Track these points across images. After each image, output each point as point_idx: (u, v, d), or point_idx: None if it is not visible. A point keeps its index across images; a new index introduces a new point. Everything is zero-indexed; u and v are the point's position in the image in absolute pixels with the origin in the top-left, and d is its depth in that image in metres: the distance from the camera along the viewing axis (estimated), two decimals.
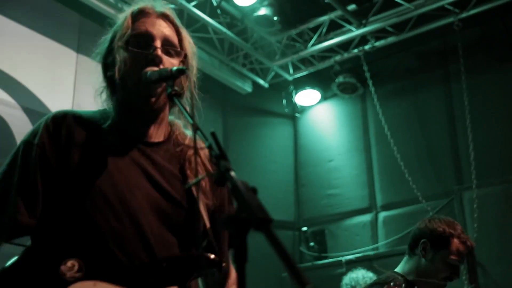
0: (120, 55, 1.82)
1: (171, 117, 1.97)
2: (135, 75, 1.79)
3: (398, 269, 3.41)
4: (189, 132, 1.95)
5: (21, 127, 5.28)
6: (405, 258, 3.43)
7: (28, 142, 1.74)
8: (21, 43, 5.50)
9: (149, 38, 1.84)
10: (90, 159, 1.73)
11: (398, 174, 7.22)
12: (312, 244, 7.83)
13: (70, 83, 5.71)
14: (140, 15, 1.89)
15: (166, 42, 1.87)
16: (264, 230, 1.12)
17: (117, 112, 1.86)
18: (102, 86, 1.89)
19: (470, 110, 6.87)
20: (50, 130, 1.74)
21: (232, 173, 1.27)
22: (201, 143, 1.90)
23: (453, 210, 6.94)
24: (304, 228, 8.07)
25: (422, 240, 3.33)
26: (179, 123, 1.99)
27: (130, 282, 1.66)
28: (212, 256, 1.77)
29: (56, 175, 1.70)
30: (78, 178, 1.70)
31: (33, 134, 1.75)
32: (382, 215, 7.59)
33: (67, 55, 5.81)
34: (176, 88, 1.65)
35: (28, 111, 5.39)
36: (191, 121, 1.49)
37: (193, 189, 1.85)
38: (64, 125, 1.76)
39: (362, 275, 5.51)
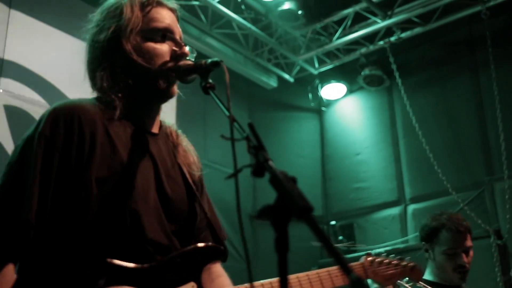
0: (137, 45, 1.85)
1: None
2: (160, 63, 1.84)
3: (424, 275, 3.45)
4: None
5: None
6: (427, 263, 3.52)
7: (37, 134, 1.69)
8: (49, 44, 5.58)
9: (171, 32, 1.90)
10: (105, 150, 1.73)
11: (427, 166, 7.15)
12: (341, 237, 7.80)
13: None
14: (151, 3, 1.92)
15: (181, 38, 1.95)
16: (306, 218, 1.12)
17: (128, 101, 1.84)
18: (101, 74, 1.86)
19: (500, 99, 6.75)
20: (60, 122, 1.71)
21: (271, 163, 1.28)
22: (182, 140, 2.02)
23: (484, 202, 6.85)
24: (333, 222, 8.05)
25: (422, 243, 3.47)
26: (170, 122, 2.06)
27: (151, 281, 1.69)
28: (221, 246, 1.87)
29: (69, 168, 1.68)
30: (95, 170, 1.69)
31: (41, 126, 1.70)
32: (411, 207, 7.52)
33: None
34: (210, 80, 1.66)
35: None
36: (227, 113, 1.50)
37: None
38: (72, 117, 1.73)
39: None
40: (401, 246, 7.29)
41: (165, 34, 1.87)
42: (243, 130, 1.43)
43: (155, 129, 1.93)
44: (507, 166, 6.58)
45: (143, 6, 1.89)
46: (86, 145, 1.70)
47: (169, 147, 1.96)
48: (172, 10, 1.97)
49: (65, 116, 1.72)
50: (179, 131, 2.05)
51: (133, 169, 1.74)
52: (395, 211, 7.67)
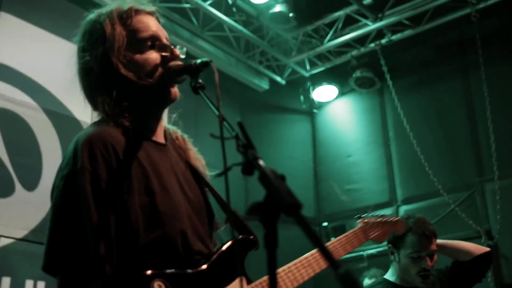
0: (128, 59, 1.83)
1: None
2: (152, 74, 1.83)
3: (386, 275, 3.55)
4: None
5: (43, 129, 5.36)
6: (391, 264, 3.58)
7: (79, 169, 1.62)
8: (40, 46, 5.58)
9: (157, 38, 1.89)
10: (138, 175, 1.72)
11: (419, 167, 7.18)
12: (332, 239, 7.81)
13: None
14: (129, 15, 1.89)
15: (167, 39, 1.94)
16: (295, 215, 1.14)
17: (135, 118, 1.82)
18: (102, 93, 1.83)
19: (490, 101, 6.80)
20: (97, 154, 1.66)
21: (260, 161, 1.29)
22: (190, 144, 2.03)
23: (475, 202, 6.90)
24: (325, 224, 8.08)
25: (388, 246, 3.48)
26: (174, 128, 2.06)
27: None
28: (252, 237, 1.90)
29: (116, 198, 1.65)
30: (139, 195, 1.69)
31: (80, 161, 1.64)
32: (403, 209, 7.55)
33: None
34: (200, 80, 1.67)
35: (49, 113, 5.47)
36: (217, 112, 1.51)
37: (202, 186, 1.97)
38: (106, 146, 1.69)
39: (374, 273, 5.71)
40: None
41: (153, 43, 1.87)
42: (232, 129, 1.44)
43: (161, 139, 1.94)
44: (498, 167, 6.63)
45: (123, 20, 1.87)
46: (124, 171, 1.69)
47: (179, 152, 1.98)
48: (151, 13, 1.95)
49: (99, 146, 1.67)
50: (185, 135, 2.07)
51: (166, 188, 1.76)
52: (387, 212, 7.64)
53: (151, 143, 1.86)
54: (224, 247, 1.83)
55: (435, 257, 3.40)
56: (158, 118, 1.93)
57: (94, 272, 1.56)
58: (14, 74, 5.31)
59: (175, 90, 1.88)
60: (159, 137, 1.92)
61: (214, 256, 1.79)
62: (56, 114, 5.49)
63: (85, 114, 5.61)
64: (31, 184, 5.12)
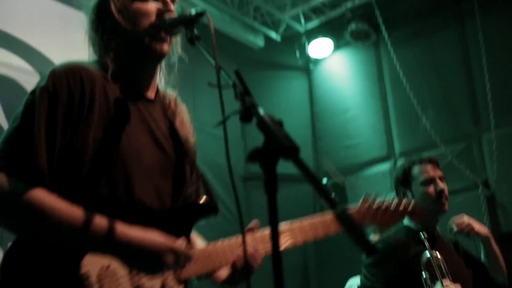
0: (124, 6, 1.88)
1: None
2: (146, 23, 1.86)
3: (405, 221, 3.42)
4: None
5: None
6: None
7: (39, 89, 1.73)
8: (34, 9, 5.51)
9: None
10: (102, 110, 1.76)
11: (416, 119, 7.20)
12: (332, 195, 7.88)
13: (84, 48, 5.73)
14: None
15: None
16: (293, 158, 1.17)
17: (120, 64, 1.89)
18: (96, 33, 1.93)
19: (486, 49, 6.77)
20: (62, 79, 1.74)
21: (258, 108, 1.31)
22: (181, 111, 2.05)
23: (472, 153, 6.95)
24: (324, 180, 8.13)
25: (398, 188, 3.52)
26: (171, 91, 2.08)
27: None
28: (212, 202, 1.91)
29: (72, 122, 1.71)
30: (95, 134, 1.72)
31: (44, 82, 1.74)
32: (401, 162, 7.59)
33: (82, 20, 5.81)
34: (195, 31, 1.68)
35: None
36: (213, 62, 1.52)
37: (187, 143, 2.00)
38: (74, 74, 1.77)
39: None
40: None
41: None
42: (229, 78, 1.45)
43: (150, 94, 1.96)
44: (494, 115, 6.65)
45: None
46: (86, 102, 1.74)
47: (166, 114, 1.99)
48: None
49: (66, 73, 1.76)
50: (179, 101, 2.09)
51: (127, 132, 1.78)
52: (385, 166, 7.75)
53: (135, 94, 1.89)
54: (171, 208, 1.85)
55: (445, 183, 3.47)
56: (148, 73, 1.95)
57: (31, 182, 1.62)
58: (10, 39, 5.26)
59: (166, 47, 1.90)
60: (146, 91, 1.95)
61: (155, 215, 1.80)
62: None
63: None
64: None
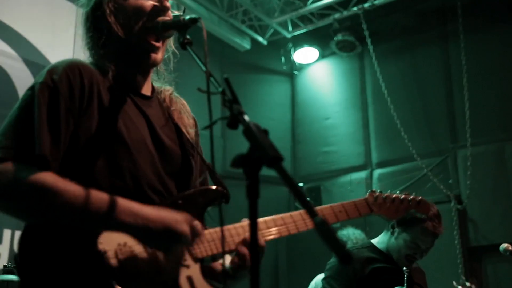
0: (118, 6, 1.88)
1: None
2: (140, 24, 1.86)
3: (374, 240, 3.63)
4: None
5: (23, 79, 5.33)
6: (384, 231, 3.61)
7: (39, 84, 1.73)
8: None
9: None
10: (105, 106, 1.79)
11: (394, 132, 7.32)
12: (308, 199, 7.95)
13: (70, 36, 5.72)
14: None
15: None
16: (276, 167, 1.21)
17: (116, 63, 1.90)
18: (91, 38, 1.92)
19: (467, 69, 6.93)
20: (62, 73, 1.75)
21: (245, 116, 1.35)
22: (182, 101, 2.09)
23: (447, 168, 7.09)
24: (300, 185, 8.20)
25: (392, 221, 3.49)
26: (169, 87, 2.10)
27: None
28: (224, 188, 1.91)
29: (74, 114, 1.73)
30: (97, 125, 1.75)
31: (43, 78, 1.74)
32: (377, 172, 7.72)
33: (67, 7, 5.80)
34: (188, 36, 1.70)
35: (29, 63, 5.43)
36: (204, 68, 1.56)
37: (187, 141, 2.01)
38: (73, 69, 1.78)
39: (353, 232, 5.74)
40: None
41: None
42: (219, 85, 1.49)
43: (146, 91, 1.98)
44: (471, 134, 6.79)
45: None
46: (86, 94, 1.75)
47: (164, 109, 2.01)
48: None
49: (65, 68, 1.76)
50: (175, 95, 2.10)
51: (127, 125, 1.80)
52: (361, 175, 7.85)
53: (132, 91, 1.92)
54: (183, 193, 1.87)
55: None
56: (143, 73, 1.97)
57: (38, 166, 1.63)
58: None
59: (159, 56, 1.92)
60: (144, 90, 1.97)
61: (169, 199, 1.83)
62: (36, 65, 5.45)
63: None
64: None
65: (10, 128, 1.68)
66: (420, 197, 2.62)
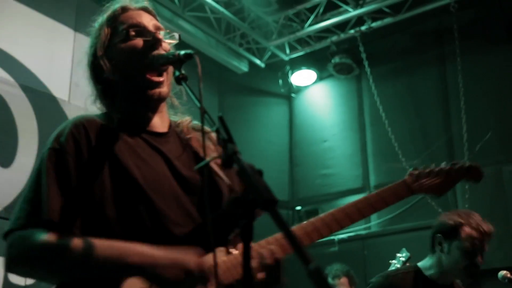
0: (114, 52, 1.89)
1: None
2: (138, 64, 1.86)
3: (419, 263, 3.46)
4: (195, 122, 2.06)
5: (20, 105, 5.32)
6: (428, 255, 3.46)
7: (47, 150, 1.79)
8: (19, 21, 5.50)
9: (142, 27, 1.92)
10: (114, 154, 1.79)
11: (392, 154, 7.30)
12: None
13: (68, 61, 5.73)
14: (117, 13, 1.96)
15: (157, 28, 1.95)
16: (270, 210, 1.19)
17: (123, 109, 1.91)
18: (96, 93, 1.95)
19: (465, 91, 6.94)
20: (68, 134, 1.80)
21: (239, 156, 1.34)
22: (194, 132, 2.05)
23: None
24: (298, 208, 8.17)
25: (436, 236, 3.35)
26: (185, 118, 2.08)
27: None
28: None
29: (86, 170, 1.77)
30: (109, 175, 1.76)
31: (50, 143, 1.81)
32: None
33: (65, 33, 5.82)
34: (183, 72, 1.69)
35: (26, 89, 5.41)
36: (198, 104, 1.54)
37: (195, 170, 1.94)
38: (78, 127, 1.82)
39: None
40: (363, 232, 7.47)
41: (137, 32, 1.90)
42: (213, 123, 1.47)
43: (162, 128, 1.97)
44: (468, 157, 6.78)
45: (110, 21, 1.94)
46: (93, 148, 1.79)
47: (182, 141, 1.99)
48: (142, 9, 1.99)
49: (70, 128, 1.81)
50: (193, 124, 2.07)
51: (138, 167, 1.80)
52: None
53: (145, 132, 1.91)
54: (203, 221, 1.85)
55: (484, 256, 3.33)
56: (153, 110, 1.95)
57: (45, 230, 1.69)
58: None
59: (164, 89, 1.90)
60: (157, 127, 1.95)
61: (192, 228, 1.81)
62: (33, 91, 5.45)
63: (62, 91, 5.58)
64: (6, 160, 5.08)
65: (23, 199, 1.78)
66: (468, 163, 2.24)
